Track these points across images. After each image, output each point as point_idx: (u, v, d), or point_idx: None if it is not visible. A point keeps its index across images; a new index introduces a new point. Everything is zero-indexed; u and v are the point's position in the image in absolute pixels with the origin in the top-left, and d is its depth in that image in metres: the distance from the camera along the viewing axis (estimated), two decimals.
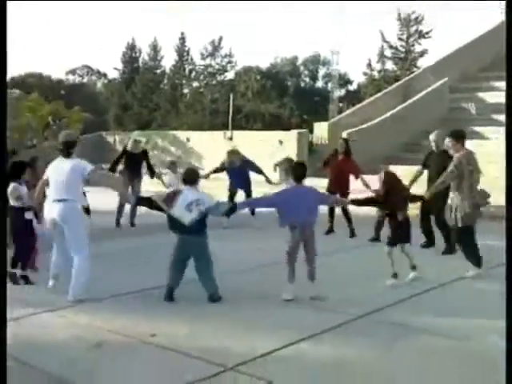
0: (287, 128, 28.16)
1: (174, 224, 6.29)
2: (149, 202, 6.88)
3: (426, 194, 8.06)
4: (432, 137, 9.53)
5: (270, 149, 19.79)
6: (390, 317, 5.83)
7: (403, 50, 45.75)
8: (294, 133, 22.19)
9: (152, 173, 12.16)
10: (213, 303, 6.14)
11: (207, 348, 4.90)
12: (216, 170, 12.35)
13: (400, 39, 45.77)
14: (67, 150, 6.52)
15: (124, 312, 5.92)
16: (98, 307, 6.07)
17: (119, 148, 27.61)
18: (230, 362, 4.59)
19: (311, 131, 22.72)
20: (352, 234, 10.57)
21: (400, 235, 7.17)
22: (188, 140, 25.82)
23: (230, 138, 24.02)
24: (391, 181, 7.26)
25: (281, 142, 21.53)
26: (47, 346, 5.03)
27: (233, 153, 12.50)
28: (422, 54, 44.97)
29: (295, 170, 6.80)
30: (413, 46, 45.57)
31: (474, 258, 7.58)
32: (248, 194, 11.94)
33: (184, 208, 6.21)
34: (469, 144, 18.74)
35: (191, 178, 6.51)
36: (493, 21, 26.03)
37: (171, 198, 6.35)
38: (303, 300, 6.35)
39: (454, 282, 7.34)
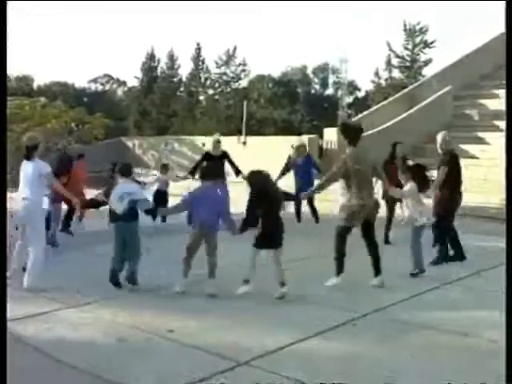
0: (298, 133, 28.73)
1: (111, 213, 6.98)
2: (93, 202, 7.79)
3: (304, 194, 8.02)
4: (437, 139, 9.10)
5: (282, 153, 20.58)
6: (394, 314, 6.02)
7: (409, 59, 46.65)
8: (304, 138, 22.63)
9: (237, 172, 11.57)
10: (226, 300, 6.42)
11: (220, 343, 5.05)
12: (284, 171, 11.53)
13: (406, 49, 46.71)
14: (28, 153, 7.09)
15: (144, 308, 6.13)
16: (120, 303, 6.28)
17: (138, 152, 28.78)
18: (243, 357, 4.74)
19: (321, 136, 23.20)
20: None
21: (265, 239, 6.54)
22: (203, 145, 26.26)
23: (244, 143, 24.71)
24: (257, 181, 6.70)
25: (293, 147, 22.12)
26: (73, 340, 5.19)
27: (302, 147, 11.87)
28: (427, 63, 45.82)
29: (203, 169, 7.11)
30: (418, 55, 46.44)
31: (337, 263, 7.15)
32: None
33: (117, 199, 6.84)
34: (473, 149, 19.65)
35: (126, 171, 7.19)
36: (493, 31, 26.46)
37: (110, 191, 7.05)
38: (312, 298, 6.54)
39: (456, 282, 7.47)
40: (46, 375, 4.48)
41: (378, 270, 7.14)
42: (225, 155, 11.66)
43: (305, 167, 11.68)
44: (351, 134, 7.25)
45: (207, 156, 11.60)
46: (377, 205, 7.39)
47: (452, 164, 8.61)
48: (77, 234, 10.53)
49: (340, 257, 7.14)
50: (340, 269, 7.10)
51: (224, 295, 6.57)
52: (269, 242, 6.58)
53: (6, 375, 3.98)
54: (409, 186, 7.75)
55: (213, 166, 6.83)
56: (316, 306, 6.36)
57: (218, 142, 11.78)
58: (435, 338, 5.37)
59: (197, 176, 10.59)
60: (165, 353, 4.93)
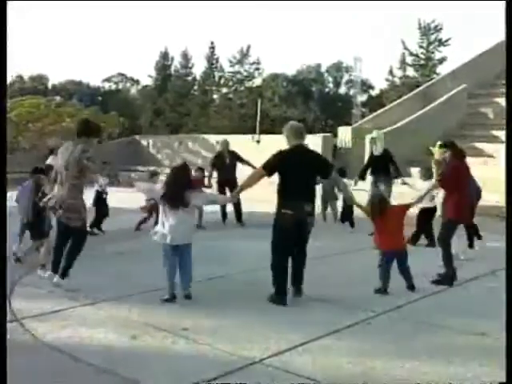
0: (312, 132, 28.73)
1: None
2: None
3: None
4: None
5: None
6: (409, 314, 6.02)
7: (423, 57, 46.56)
8: (318, 136, 22.49)
9: (398, 174, 11.10)
10: (238, 299, 6.42)
11: (234, 342, 5.08)
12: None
13: (420, 47, 46.63)
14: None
15: (157, 306, 6.14)
16: (133, 301, 6.29)
17: (153, 150, 28.84)
18: (257, 355, 4.77)
19: (335, 135, 23.22)
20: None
21: (35, 233, 7.75)
22: (217, 143, 26.37)
23: (258, 142, 24.70)
24: None
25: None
26: (89, 337, 5.20)
27: None
28: (442, 61, 45.70)
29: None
30: (433, 53, 46.32)
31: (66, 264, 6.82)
32: None
33: None
34: (489, 148, 19.51)
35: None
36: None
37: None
38: (326, 297, 6.51)
39: (472, 281, 7.45)
40: (63, 372, 4.50)
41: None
42: (387, 154, 11.21)
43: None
44: (79, 127, 7.06)
45: (371, 157, 11.46)
46: (66, 205, 6.75)
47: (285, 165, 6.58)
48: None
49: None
50: (55, 267, 6.88)
51: (237, 295, 6.58)
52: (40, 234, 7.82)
53: (6, 375, 3.93)
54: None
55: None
56: (330, 305, 6.35)
57: (376, 141, 11.35)
58: (451, 337, 5.35)
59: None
60: (180, 351, 4.95)
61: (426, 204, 9.05)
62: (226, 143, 12.80)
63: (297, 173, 6.43)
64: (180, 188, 6.30)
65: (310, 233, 6.61)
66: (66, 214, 6.74)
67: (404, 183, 10.81)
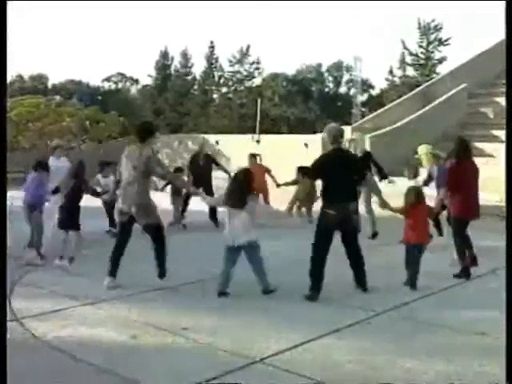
0: (312, 131, 28.73)
1: None
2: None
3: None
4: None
5: (295, 151, 20.60)
6: (409, 313, 6.02)
7: (423, 56, 46.55)
8: (318, 136, 22.81)
9: (382, 175, 10.94)
10: (238, 299, 6.45)
11: (235, 341, 5.09)
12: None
13: (420, 46, 46.57)
14: None
15: (157, 306, 6.20)
16: (133, 301, 6.33)
17: None
18: (258, 355, 4.78)
19: None
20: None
21: (63, 219, 8.02)
22: (217, 143, 26.36)
23: (258, 141, 24.70)
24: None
25: (306, 145, 22.10)
26: (89, 337, 5.22)
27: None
28: (441, 60, 45.63)
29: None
30: (432, 52, 46.27)
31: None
32: None
33: None
34: (489, 147, 19.43)
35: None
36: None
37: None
38: (326, 297, 6.48)
39: (472, 281, 7.46)
40: (63, 372, 4.50)
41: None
42: (366, 155, 11.03)
43: None
44: (140, 132, 7.36)
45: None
46: (139, 206, 6.97)
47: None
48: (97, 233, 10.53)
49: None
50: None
51: (237, 295, 6.56)
52: (63, 223, 8.02)
53: (6, 375, 3.92)
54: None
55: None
56: (331, 304, 6.35)
57: (357, 141, 11.51)
58: (451, 337, 5.35)
59: None
60: (180, 350, 4.95)
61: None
62: (201, 144, 14.09)
63: (337, 175, 6.79)
64: (242, 191, 6.64)
65: (358, 231, 7.04)
66: (139, 213, 6.96)
67: (390, 182, 10.98)
